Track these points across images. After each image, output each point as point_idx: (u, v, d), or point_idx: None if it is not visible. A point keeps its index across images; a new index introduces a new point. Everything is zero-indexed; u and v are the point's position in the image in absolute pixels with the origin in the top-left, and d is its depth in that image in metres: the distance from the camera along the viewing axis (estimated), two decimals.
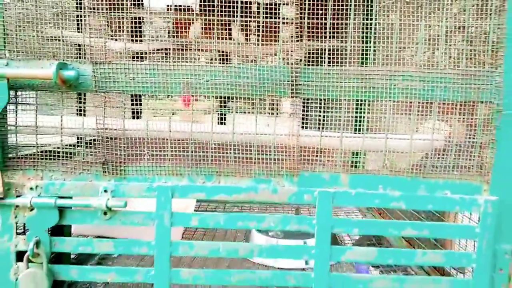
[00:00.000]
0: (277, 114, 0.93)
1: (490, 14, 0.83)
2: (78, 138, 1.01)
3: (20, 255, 0.86)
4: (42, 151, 0.88)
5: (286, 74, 0.85)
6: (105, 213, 0.85)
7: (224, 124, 1.64)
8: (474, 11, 0.85)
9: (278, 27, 0.92)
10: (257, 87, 0.86)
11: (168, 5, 1.49)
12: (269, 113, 1.05)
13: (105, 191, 0.85)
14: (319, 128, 0.90)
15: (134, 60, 0.87)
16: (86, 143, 0.90)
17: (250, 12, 0.93)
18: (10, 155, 0.87)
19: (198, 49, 1.15)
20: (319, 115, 0.89)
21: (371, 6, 0.88)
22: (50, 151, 0.87)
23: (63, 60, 0.83)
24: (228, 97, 0.87)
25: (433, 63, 0.85)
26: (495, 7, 0.82)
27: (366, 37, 0.89)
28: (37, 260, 0.86)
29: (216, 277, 0.88)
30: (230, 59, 1.20)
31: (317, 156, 0.86)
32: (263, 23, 0.88)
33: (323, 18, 0.87)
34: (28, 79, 0.82)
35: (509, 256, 0.86)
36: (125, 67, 0.85)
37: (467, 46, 0.85)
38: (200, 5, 1.34)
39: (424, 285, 0.88)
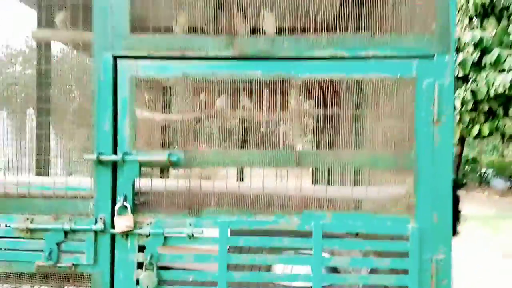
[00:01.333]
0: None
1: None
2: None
3: (139, 265, 1.48)
4: (152, 201, 1.52)
5: (292, 155, 1.50)
6: (189, 238, 1.47)
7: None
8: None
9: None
10: (276, 162, 1.51)
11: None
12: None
13: (190, 224, 1.48)
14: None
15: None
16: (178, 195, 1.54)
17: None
18: (136, 203, 1.51)
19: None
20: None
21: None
22: (157, 201, 1.51)
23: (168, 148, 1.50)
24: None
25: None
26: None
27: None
28: (149, 267, 1.47)
29: (258, 277, 1.47)
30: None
31: (312, 202, 1.48)
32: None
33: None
34: (150, 162, 1.48)
35: (430, 261, 1.44)
36: (202, 154, 1.51)
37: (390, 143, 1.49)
38: None
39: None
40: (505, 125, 12.03)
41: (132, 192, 1.48)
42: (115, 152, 1.48)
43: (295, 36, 1.45)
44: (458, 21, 12.13)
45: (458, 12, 11.84)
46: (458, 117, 11.72)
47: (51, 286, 1.59)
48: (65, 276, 1.54)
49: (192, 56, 1.48)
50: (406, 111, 1.48)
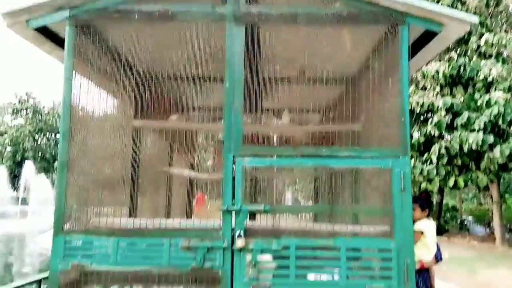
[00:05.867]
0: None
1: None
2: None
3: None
4: (254, 231, 2.81)
5: (325, 207, 2.84)
6: (274, 251, 2.74)
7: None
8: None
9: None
10: (317, 212, 2.84)
11: None
12: None
13: (274, 243, 2.76)
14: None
15: None
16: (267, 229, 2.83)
17: None
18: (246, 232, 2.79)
19: None
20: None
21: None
22: (256, 231, 2.80)
23: None
24: None
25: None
26: None
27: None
28: (253, 267, 2.72)
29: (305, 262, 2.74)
30: None
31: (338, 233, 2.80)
32: None
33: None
34: (253, 210, 2.79)
35: (403, 263, 2.73)
36: (280, 207, 2.82)
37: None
38: None
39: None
40: (477, 178, 13.62)
41: (243, 226, 2.76)
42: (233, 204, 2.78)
43: (329, 146, 2.84)
44: (430, 87, 14.07)
45: (430, 80, 13.79)
46: (435, 171, 13.28)
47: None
48: (205, 279, 2.76)
49: (275, 155, 2.84)
50: (387, 185, 2.84)
